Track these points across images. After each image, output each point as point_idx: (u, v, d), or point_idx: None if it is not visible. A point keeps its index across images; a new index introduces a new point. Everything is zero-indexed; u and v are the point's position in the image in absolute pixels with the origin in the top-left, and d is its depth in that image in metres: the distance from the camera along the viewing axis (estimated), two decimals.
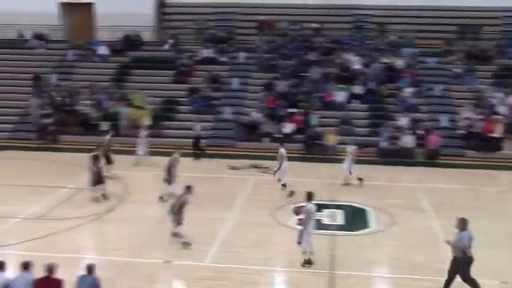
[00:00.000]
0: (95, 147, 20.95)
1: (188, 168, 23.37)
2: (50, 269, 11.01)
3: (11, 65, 34.37)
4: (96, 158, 19.98)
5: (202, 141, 27.05)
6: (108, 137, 23.13)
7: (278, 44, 33.55)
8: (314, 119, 28.15)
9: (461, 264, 12.83)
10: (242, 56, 33.14)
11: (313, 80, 30.71)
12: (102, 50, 33.83)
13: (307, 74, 31.14)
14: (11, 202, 19.59)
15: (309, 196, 14.93)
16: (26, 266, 11.18)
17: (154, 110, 29.24)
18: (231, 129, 28.71)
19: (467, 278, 12.90)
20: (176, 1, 37.63)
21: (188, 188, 16.10)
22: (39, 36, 35.58)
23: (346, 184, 22.15)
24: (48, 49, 35.30)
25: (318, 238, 16.63)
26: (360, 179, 22.17)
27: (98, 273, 11.37)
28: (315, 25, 34.76)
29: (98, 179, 19.78)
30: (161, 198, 19.26)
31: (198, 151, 26.11)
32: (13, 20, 34.81)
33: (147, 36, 35.58)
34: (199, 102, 29.98)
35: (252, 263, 14.92)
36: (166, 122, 29.10)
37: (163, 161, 20.51)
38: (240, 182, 22.26)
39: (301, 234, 14.74)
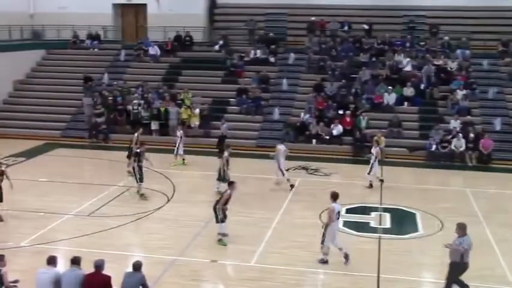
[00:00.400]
0: (138, 145, 21.37)
1: (237, 168, 23.46)
2: (99, 265, 11.15)
3: (66, 64, 35.23)
4: (139, 156, 20.33)
5: (253, 141, 27.19)
6: (136, 135, 23.11)
7: (328, 45, 33.37)
8: (363, 121, 27.90)
9: (458, 269, 12.76)
10: (292, 57, 33.08)
11: (363, 82, 30.44)
12: (154, 50, 34.27)
13: (357, 76, 30.88)
14: (62, 199, 20.04)
15: (333, 196, 15.03)
16: (75, 261, 11.36)
17: (204, 110, 29.41)
18: (279, 130, 28.67)
19: (456, 282, 12.93)
20: (227, 2, 37.82)
21: (231, 184, 16.39)
22: (92, 37, 36.30)
23: (381, 181, 21.99)
24: (101, 49, 35.98)
25: (365, 241, 16.55)
26: (371, 185, 21.85)
27: (145, 270, 11.46)
28: (365, 26, 34.45)
29: (141, 176, 20.14)
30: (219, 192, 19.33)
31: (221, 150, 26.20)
32: (69, 21, 35.64)
33: (198, 36, 35.87)
34: (248, 103, 30.06)
35: (298, 264, 14.87)
36: (215, 122, 29.24)
37: (211, 160, 20.63)
38: (287, 183, 22.21)
39: (323, 234, 14.81)
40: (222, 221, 16.06)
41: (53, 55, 36.35)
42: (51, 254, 12.11)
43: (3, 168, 18.08)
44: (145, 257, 14.27)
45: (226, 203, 16.07)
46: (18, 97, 33.18)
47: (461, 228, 12.89)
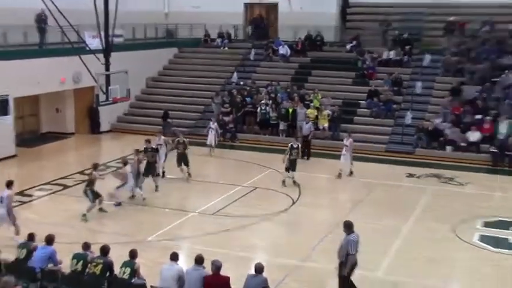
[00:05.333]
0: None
1: (365, 173, 22.67)
2: (218, 266, 11.07)
3: (196, 62, 35.70)
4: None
5: (382, 146, 26.42)
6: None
7: (468, 47, 31.52)
8: (504, 128, 25.97)
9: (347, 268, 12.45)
10: (427, 58, 31.57)
11: (506, 86, 28.41)
12: (283, 50, 33.96)
13: (499, 79, 28.88)
14: (188, 197, 20.30)
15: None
16: (200, 260, 11.32)
17: (334, 112, 28.58)
18: (411, 135, 27.37)
19: (345, 282, 12.60)
20: (361, 1, 36.91)
21: (94, 166, 17.79)
22: (223, 36, 36.66)
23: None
24: (232, 48, 36.22)
25: (503, 258, 15.24)
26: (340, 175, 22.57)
27: (266, 273, 11.14)
28: (511, 26, 32.24)
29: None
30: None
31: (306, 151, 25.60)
32: (201, 20, 36.25)
33: (329, 36, 35.22)
34: (379, 106, 28.99)
35: (425, 278, 13.92)
36: (344, 125, 28.42)
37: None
38: (418, 191, 21.05)
39: None
40: (93, 201, 17.45)
41: (185, 53, 37.05)
42: (175, 250, 12.20)
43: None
44: (266, 260, 13.89)
45: (88, 184, 17.49)
46: (149, 94, 34.07)
47: (347, 227, 12.49)
